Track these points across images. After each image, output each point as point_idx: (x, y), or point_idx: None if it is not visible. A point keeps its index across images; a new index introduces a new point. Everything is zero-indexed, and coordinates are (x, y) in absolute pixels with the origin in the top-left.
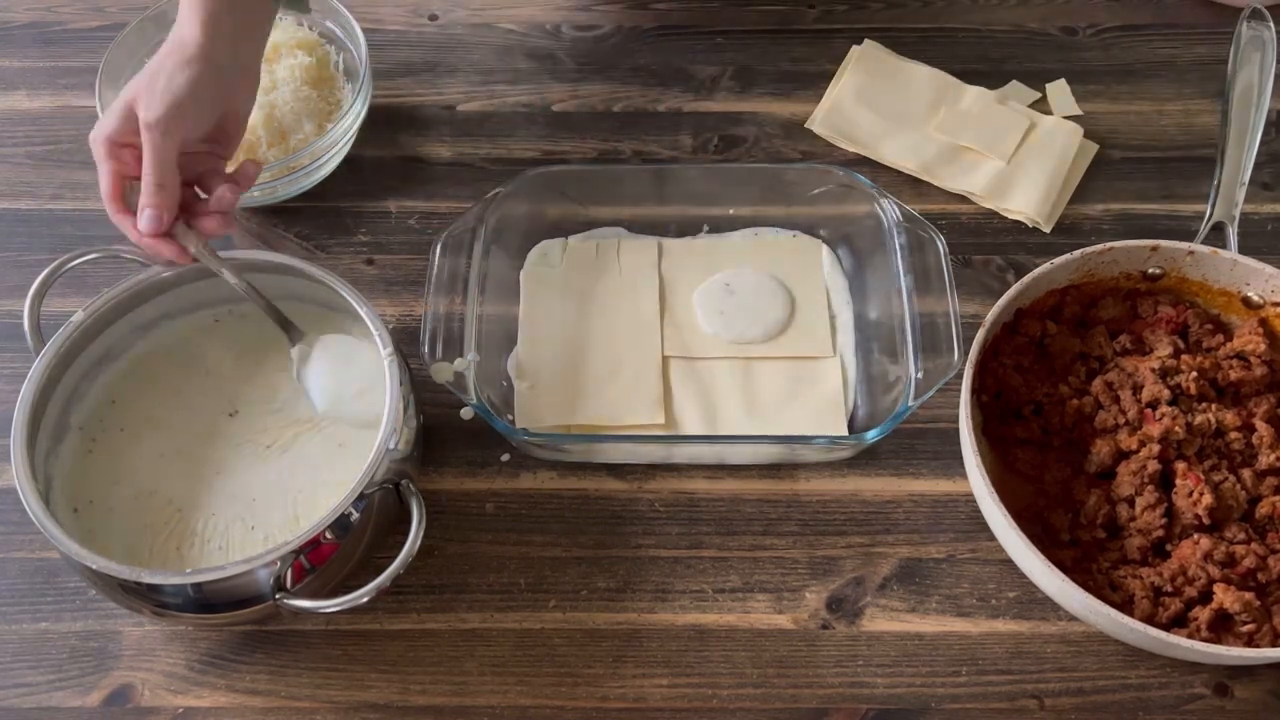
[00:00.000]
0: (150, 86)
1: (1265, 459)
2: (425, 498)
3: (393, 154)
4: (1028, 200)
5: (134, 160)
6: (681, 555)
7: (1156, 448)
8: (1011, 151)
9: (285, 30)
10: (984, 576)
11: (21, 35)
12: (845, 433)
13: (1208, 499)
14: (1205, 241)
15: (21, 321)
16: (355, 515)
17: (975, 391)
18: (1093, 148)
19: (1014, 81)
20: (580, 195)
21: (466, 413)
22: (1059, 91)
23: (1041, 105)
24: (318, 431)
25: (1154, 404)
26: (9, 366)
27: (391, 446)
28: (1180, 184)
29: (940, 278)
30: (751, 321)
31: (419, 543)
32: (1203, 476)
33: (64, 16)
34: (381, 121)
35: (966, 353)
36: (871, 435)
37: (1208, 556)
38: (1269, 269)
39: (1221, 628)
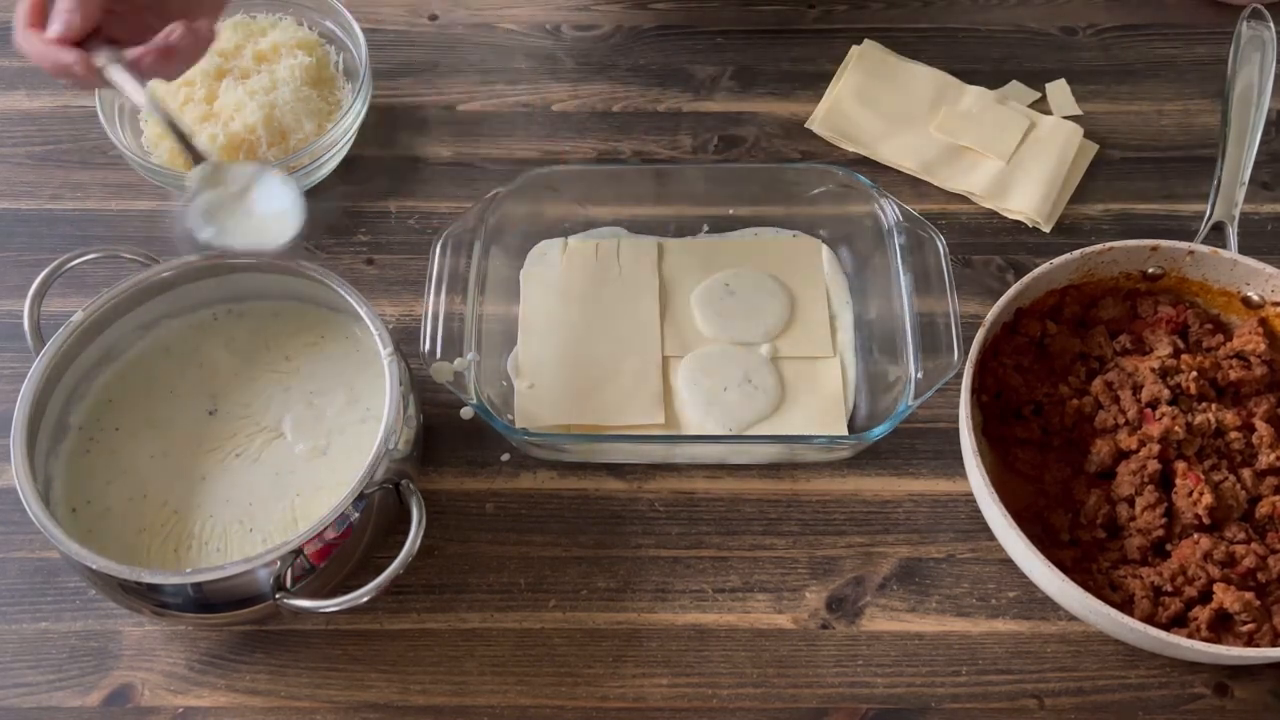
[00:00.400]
0: None
1: (1265, 459)
2: (425, 498)
3: (393, 154)
4: (1028, 200)
5: None
6: (681, 555)
7: (1156, 448)
8: (1011, 151)
9: (285, 30)
10: (984, 576)
11: None
12: (845, 433)
13: (1208, 499)
14: (1205, 241)
15: (21, 321)
16: (355, 515)
17: (975, 391)
18: (1093, 148)
19: (1014, 81)
20: (580, 195)
21: (466, 412)
22: (1059, 91)
23: (1041, 105)
24: (317, 431)
25: (1154, 404)
26: (9, 366)
27: (391, 446)
28: (1180, 184)
29: (940, 278)
30: (751, 322)
31: (419, 543)
32: (1203, 476)
33: None
34: (381, 121)
35: (966, 353)
36: (872, 435)
37: (1208, 556)
38: (1269, 269)
39: (1221, 628)
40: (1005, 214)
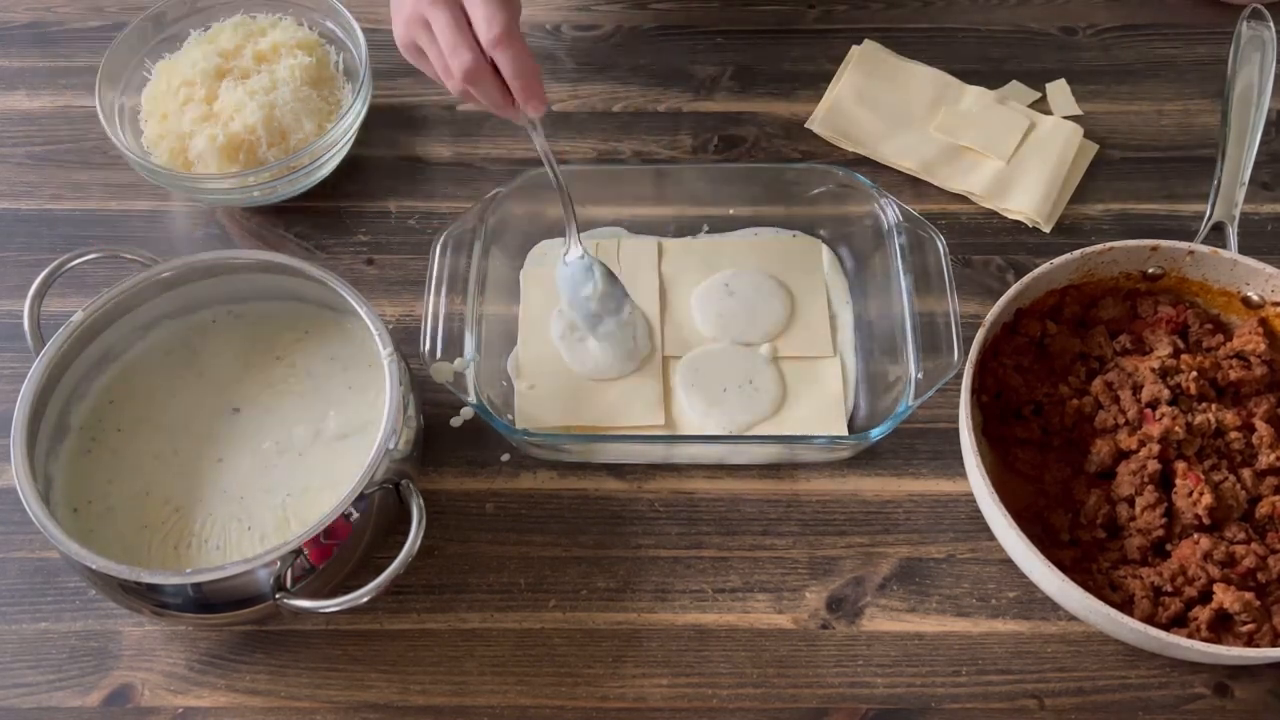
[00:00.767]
0: None
1: (1265, 459)
2: (425, 498)
3: (393, 154)
4: (1028, 200)
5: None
6: (681, 555)
7: (1156, 448)
8: (1011, 151)
9: (285, 30)
10: (984, 576)
11: (21, 35)
12: (845, 433)
13: (1208, 499)
14: (1205, 241)
15: (21, 321)
16: (355, 515)
17: (975, 391)
18: (1093, 148)
19: (1014, 81)
20: (580, 195)
21: (456, 421)
22: (1059, 91)
23: (1041, 105)
24: (316, 431)
25: (1154, 404)
26: (9, 366)
27: (391, 446)
28: (1180, 184)
29: (940, 278)
30: (751, 322)
31: (419, 543)
32: (1203, 476)
33: (64, 16)
34: (381, 121)
35: (966, 353)
36: (872, 435)
37: (1208, 556)
38: (1269, 269)
39: (1221, 628)
40: (1005, 214)
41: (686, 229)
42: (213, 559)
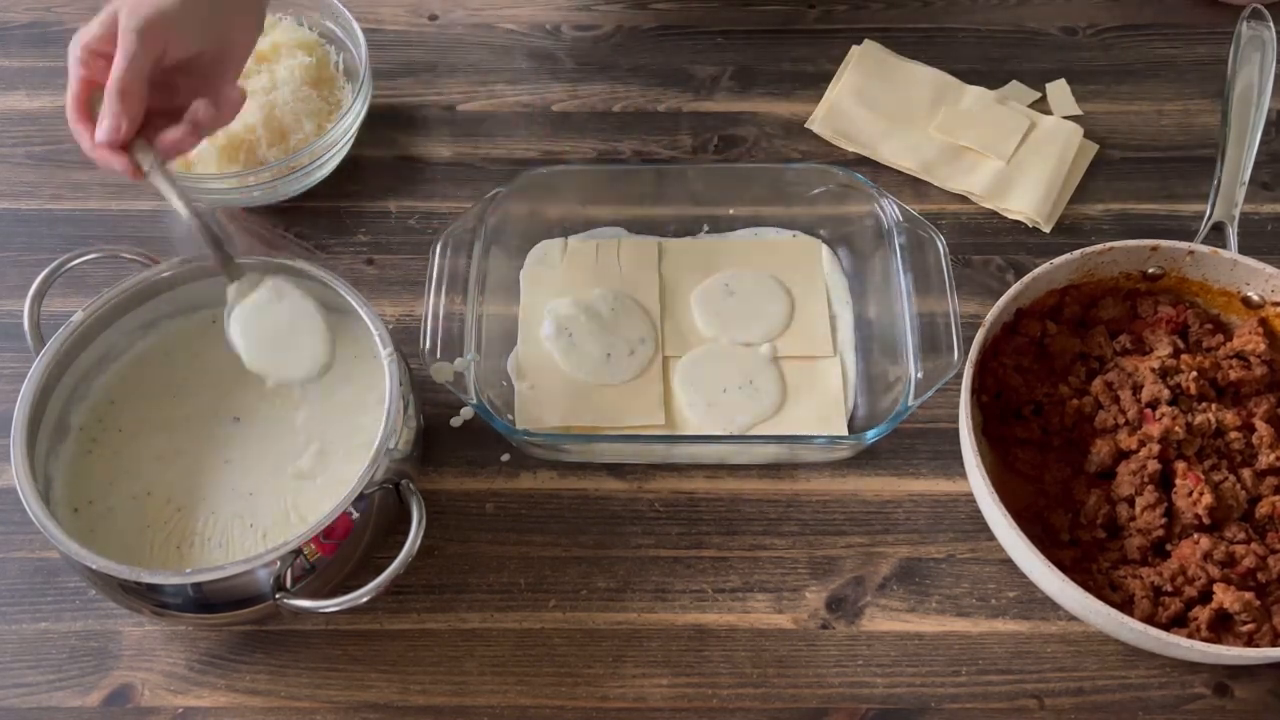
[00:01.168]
0: None
1: (1265, 459)
2: (425, 498)
3: (393, 154)
4: (1028, 200)
5: (108, 71)
6: (681, 555)
7: (1156, 448)
8: (1011, 151)
9: (285, 30)
10: (984, 576)
11: (21, 35)
12: (845, 433)
13: (1208, 499)
14: (1205, 241)
15: (21, 321)
16: (355, 515)
17: (975, 391)
18: (1093, 148)
19: (1014, 81)
20: (580, 195)
21: (456, 421)
22: (1059, 91)
23: (1041, 105)
24: (317, 430)
25: (1154, 404)
26: (9, 366)
27: (391, 446)
28: (1180, 184)
29: (940, 278)
30: (751, 322)
31: (419, 543)
32: (1203, 476)
33: (63, 16)
34: (381, 121)
35: (966, 353)
36: (871, 435)
37: (1208, 556)
38: (1269, 269)
39: (1221, 628)
40: (1005, 214)
41: (686, 229)
42: (215, 557)
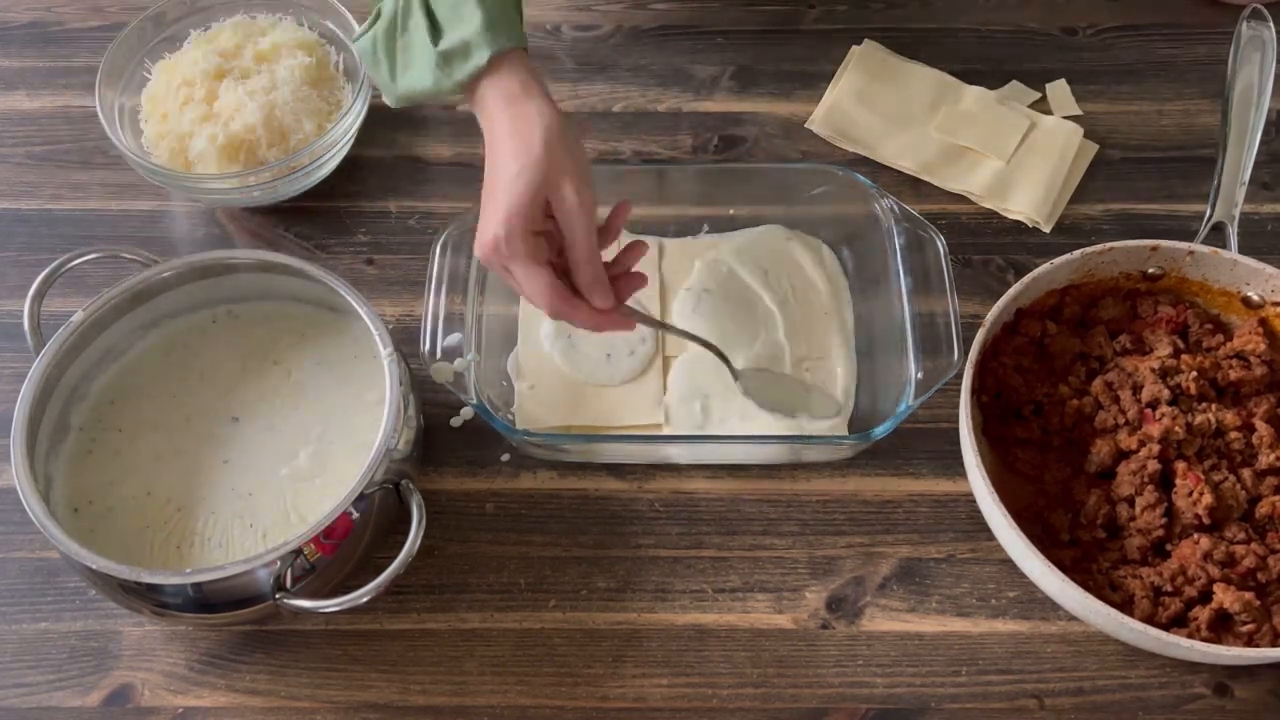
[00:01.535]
0: (559, 168)
1: (1265, 459)
2: (425, 498)
3: (393, 154)
4: (1028, 200)
5: (546, 245)
6: (681, 555)
7: (1156, 448)
8: (1011, 151)
9: (285, 30)
10: (984, 576)
11: (21, 35)
12: (845, 433)
13: (1208, 499)
14: (1205, 241)
15: (21, 321)
16: (355, 515)
17: (975, 391)
18: (1093, 148)
19: (1014, 81)
20: None
21: (456, 421)
22: (1059, 91)
23: (1041, 105)
24: (316, 431)
25: (1154, 404)
26: (9, 366)
27: (391, 446)
28: (1180, 184)
29: (940, 278)
30: (751, 321)
31: (419, 543)
32: (1203, 476)
33: (64, 16)
34: (381, 121)
35: (966, 353)
36: (872, 435)
37: (1208, 556)
38: (1269, 269)
39: (1221, 628)
40: (1005, 214)
41: (686, 229)
42: (215, 557)
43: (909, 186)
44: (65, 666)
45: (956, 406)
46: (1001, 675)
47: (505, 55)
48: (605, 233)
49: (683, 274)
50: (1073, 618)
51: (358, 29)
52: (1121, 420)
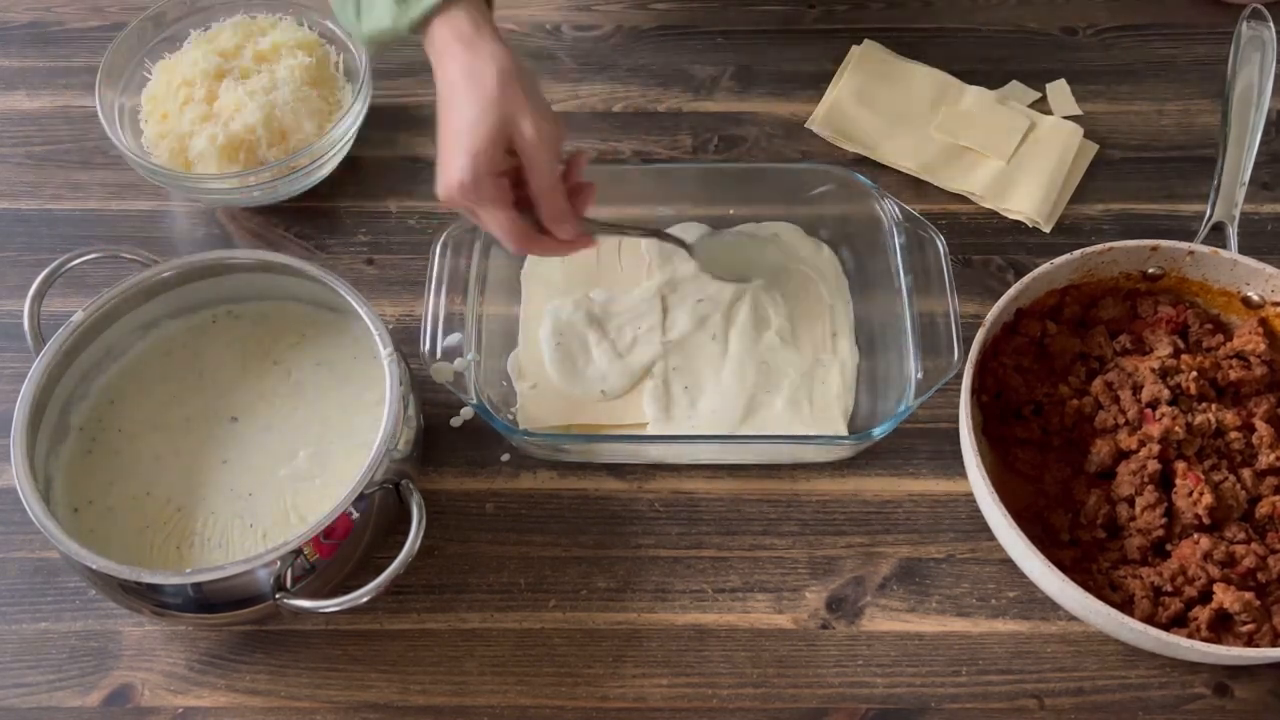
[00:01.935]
0: (514, 106)
1: (1265, 459)
2: (425, 498)
3: (393, 154)
4: (1028, 200)
5: (508, 186)
6: (681, 555)
7: (1156, 448)
8: (1011, 151)
9: (285, 30)
10: (984, 576)
11: (21, 35)
12: (845, 433)
13: (1208, 499)
14: (1205, 241)
15: (21, 321)
16: (355, 515)
17: (975, 391)
18: (1093, 148)
19: (1014, 81)
20: None
21: (456, 421)
22: (1059, 91)
23: (1041, 105)
24: (317, 431)
25: (1154, 404)
26: (9, 366)
27: (391, 446)
28: (1180, 184)
29: (940, 278)
30: (752, 322)
31: (419, 543)
32: (1203, 476)
33: (63, 16)
34: (381, 121)
35: (966, 353)
36: (872, 435)
37: (1208, 556)
38: (1269, 269)
39: (1221, 628)
40: (1005, 214)
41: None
42: (215, 557)
43: (909, 186)
44: (65, 666)
45: (956, 406)
46: (1001, 675)
47: None
48: (564, 180)
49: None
50: (1073, 618)
51: None
52: (1121, 420)
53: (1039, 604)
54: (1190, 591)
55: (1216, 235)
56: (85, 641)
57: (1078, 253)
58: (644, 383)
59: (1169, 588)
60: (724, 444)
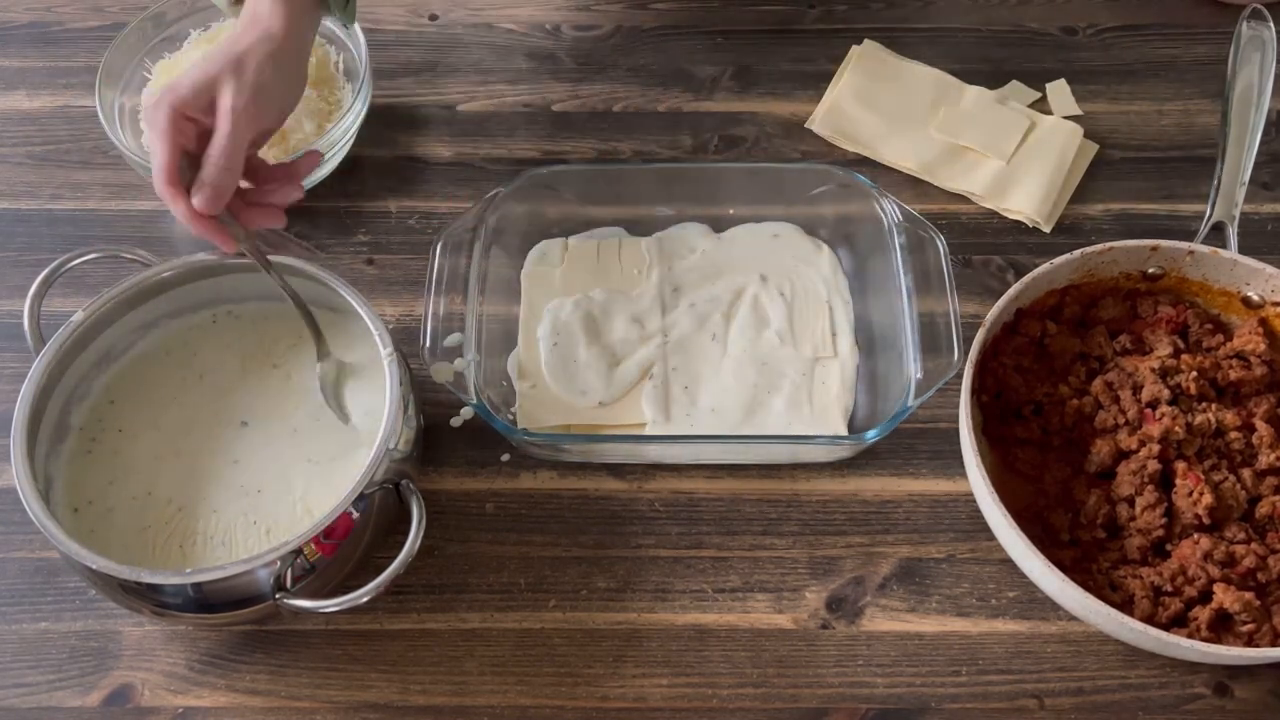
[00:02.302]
0: (237, 71)
1: (1265, 459)
2: (425, 498)
3: (393, 154)
4: (1028, 200)
5: (193, 136)
6: (681, 555)
7: (1156, 448)
8: (1011, 151)
9: None
10: (984, 576)
11: (21, 35)
12: (845, 433)
13: (1208, 499)
14: (1205, 241)
15: (21, 321)
16: (355, 515)
17: (975, 391)
18: (1093, 148)
19: (1014, 81)
20: (580, 195)
21: (456, 421)
22: (1059, 91)
23: (1041, 105)
24: (318, 430)
25: (1154, 404)
26: (9, 366)
27: (391, 446)
28: (1180, 184)
29: (940, 278)
30: (751, 322)
31: (419, 543)
32: (1203, 476)
33: (64, 16)
34: (381, 121)
35: (966, 353)
36: (871, 435)
37: (1208, 556)
38: (1269, 269)
39: (1221, 628)
40: (1005, 214)
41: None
42: (218, 556)
43: (909, 186)
44: (65, 666)
45: (956, 406)
46: (1001, 675)
47: None
48: (287, 171)
49: (683, 274)
50: (1073, 618)
51: (359, 29)
52: (1121, 420)
53: (1039, 604)
54: (1190, 591)
55: (1216, 235)
56: (85, 641)
57: (1078, 253)
58: (643, 383)
59: (1169, 588)
60: (724, 444)
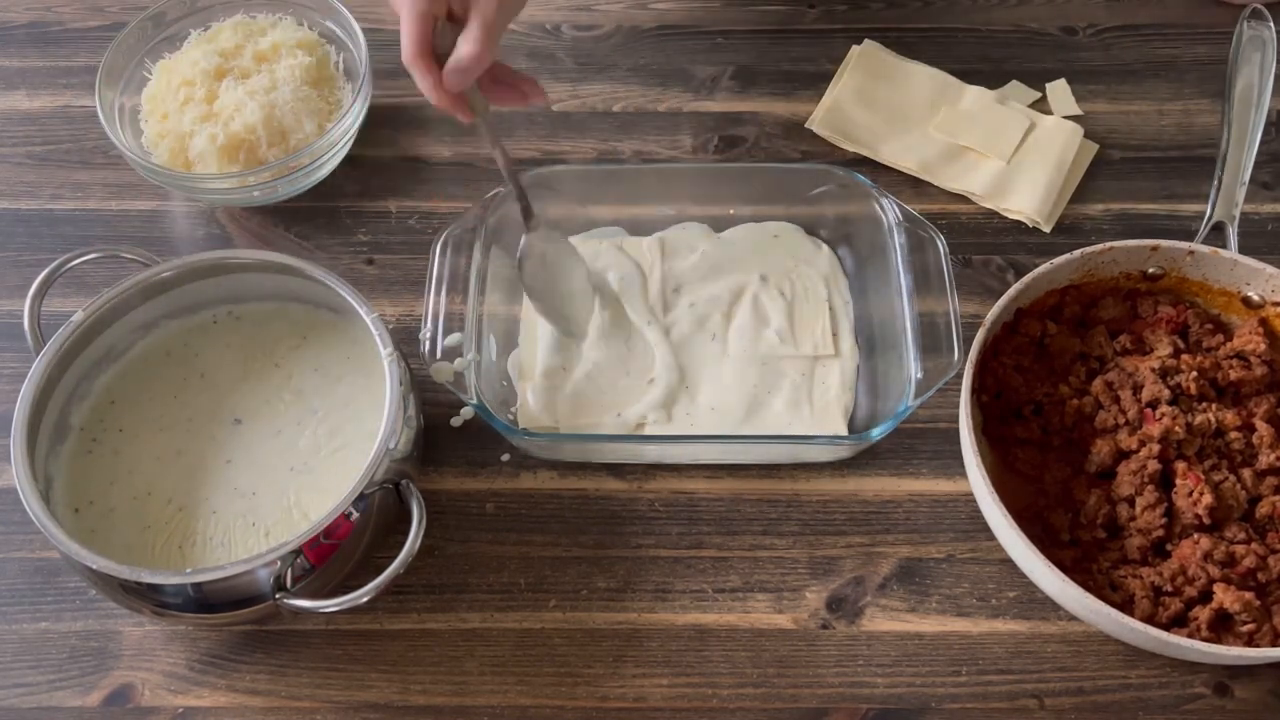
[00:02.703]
0: None
1: (1265, 459)
2: (425, 498)
3: (393, 154)
4: (1028, 200)
5: (445, 7)
6: (681, 555)
7: (1156, 447)
8: (1011, 151)
9: (285, 30)
10: (984, 576)
11: (21, 35)
12: (845, 433)
13: (1208, 499)
14: (1205, 241)
15: (21, 321)
16: (355, 515)
17: (975, 391)
18: (1093, 148)
19: (1014, 81)
20: (580, 195)
21: (456, 421)
22: (1059, 91)
23: (1041, 105)
24: (318, 430)
25: (1154, 404)
26: (9, 366)
27: (391, 446)
28: (1180, 184)
29: (940, 278)
30: (751, 321)
31: (419, 543)
32: (1203, 476)
33: (63, 16)
34: (381, 121)
35: (966, 353)
36: (872, 435)
37: (1208, 556)
38: (1269, 269)
39: (1221, 628)
40: (1005, 214)
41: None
42: (217, 556)
43: (909, 186)
44: (65, 666)
45: (956, 406)
46: (1001, 675)
47: None
48: (515, 83)
49: (683, 274)
50: (1073, 618)
51: (359, 29)
52: (1121, 420)
53: (1039, 604)
54: (1190, 591)
55: (1217, 235)
56: (85, 641)
57: (1078, 253)
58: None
59: (1169, 588)
60: (724, 444)
